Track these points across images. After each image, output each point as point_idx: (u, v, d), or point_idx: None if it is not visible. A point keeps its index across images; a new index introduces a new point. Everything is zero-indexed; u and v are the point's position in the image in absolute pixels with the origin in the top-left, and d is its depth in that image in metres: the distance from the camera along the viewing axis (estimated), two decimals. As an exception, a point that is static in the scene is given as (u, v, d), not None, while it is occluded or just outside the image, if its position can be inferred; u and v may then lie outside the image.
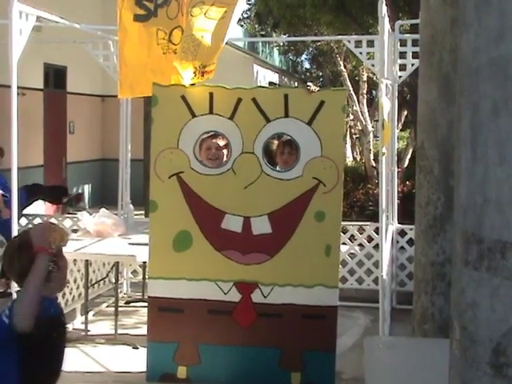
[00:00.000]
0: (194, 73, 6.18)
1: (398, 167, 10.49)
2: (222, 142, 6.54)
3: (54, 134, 17.33)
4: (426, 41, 5.91)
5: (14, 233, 6.89)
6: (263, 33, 27.47)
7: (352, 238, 9.88)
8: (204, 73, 6.24)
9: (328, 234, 6.09)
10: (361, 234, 9.85)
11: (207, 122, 6.17)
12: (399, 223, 9.69)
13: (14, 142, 6.92)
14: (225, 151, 6.52)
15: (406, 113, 18.56)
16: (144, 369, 6.33)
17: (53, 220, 10.35)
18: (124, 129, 9.72)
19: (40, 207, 13.53)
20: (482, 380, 2.35)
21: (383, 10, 6.94)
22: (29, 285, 3.78)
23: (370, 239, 9.76)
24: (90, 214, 8.82)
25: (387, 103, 7.90)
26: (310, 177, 6.05)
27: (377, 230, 8.76)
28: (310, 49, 26.81)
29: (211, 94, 6.10)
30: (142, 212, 13.16)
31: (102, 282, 9.59)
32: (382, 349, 4.81)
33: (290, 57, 31.28)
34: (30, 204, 11.73)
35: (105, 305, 9.33)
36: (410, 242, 9.17)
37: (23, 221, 10.24)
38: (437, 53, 5.74)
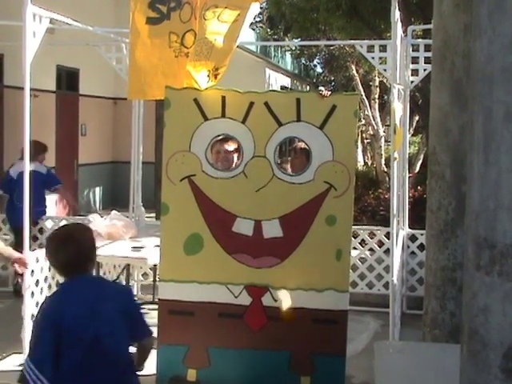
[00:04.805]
0: (208, 76, 6.19)
1: (409, 172, 10.48)
2: (232, 146, 6.57)
3: (66, 136, 17.37)
4: (439, 46, 5.90)
5: (26, 223, 6.94)
6: (275, 37, 27.46)
7: (363, 242, 9.89)
8: (216, 75, 6.25)
9: (339, 239, 6.09)
10: (371, 238, 9.85)
11: (219, 126, 6.18)
12: (410, 228, 9.68)
13: (27, 143, 6.95)
14: (235, 155, 6.54)
15: (417, 118, 18.57)
16: (154, 371, 6.31)
17: (65, 222, 10.39)
18: (136, 131, 9.75)
19: (52, 209, 13.58)
20: (492, 384, 2.35)
21: (396, 14, 6.94)
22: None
23: (380, 244, 9.76)
24: (102, 217, 8.84)
25: (399, 108, 7.90)
26: (321, 181, 6.05)
27: (388, 235, 8.75)
28: (323, 53, 26.79)
29: (223, 98, 6.11)
30: (154, 215, 13.18)
31: (112, 284, 9.61)
32: (392, 353, 4.81)
33: (302, 61, 31.27)
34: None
35: (115, 307, 9.33)
36: (421, 247, 9.16)
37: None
38: (449, 58, 5.74)
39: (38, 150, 10.20)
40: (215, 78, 6.23)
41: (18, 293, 8.70)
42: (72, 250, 4.22)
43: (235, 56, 6.37)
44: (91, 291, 4.28)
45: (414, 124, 19.33)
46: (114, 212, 8.78)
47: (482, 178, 2.39)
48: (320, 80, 32.62)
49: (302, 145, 6.32)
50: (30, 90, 6.97)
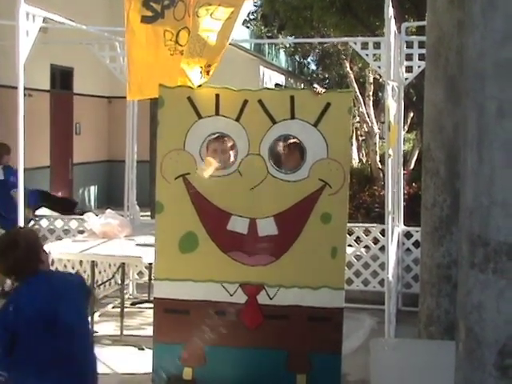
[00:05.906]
0: (201, 72, 6.18)
1: (404, 169, 10.49)
2: (227, 144, 6.55)
3: (61, 135, 17.35)
4: (433, 43, 5.91)
5: (20, 224, 6.93)
6: (269, 34, 27.47)
7: (358, 239, 9.89)
8: (208, 71, 6.24)
9: (334, 236, 6.08)
10: (367, 235, 9.86)
11: (213, 124, 6.16)
12: (405, 225, 9.69)
13: (21, 142, 6.94)
14: (231, 153, 6.53)
15: (412, 114, 18.56)
16: (150, 370, 6.32)
17: (59, 220, 10.38)
18: (130, 130, 9.74)
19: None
20: (487, 382, 2.35)
21: (390, 11, 6.93)
22: None
23: (375, 241, 9.76)
24: (97, 215, 8.83)
25: (393, 105, 7.90)
26: (316, 178, 6.04)
27: (383, 232, 8.75)
28: (317, 50, 26.80)
29: (217, 96, 6.09)
30: (148, 213, 13.17)
31: (107, 283, 9.62)
32: (387, 351, 4.81)
33: (297, 58, 31.28)
34: (38, 208, 11.81)
35: (111, 306, 9.34)
36: (416, 243, 9.17)
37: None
38: (443, 54, 5.74)
39: (1, 152, 10.10)
40: (207, 74, 6.22)
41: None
42: (17, 253, 4.30)
43: (229, 54, 6.36)
44: (46, 284, 4.39)
45: (409, 121, 19.32)
46: (108, 211, 8.77)
47: (475, 175, 2.39)
48: (314, 77, 32.62)
49: (296, 140, 6.30)
50: (24, 89, 6.97)
